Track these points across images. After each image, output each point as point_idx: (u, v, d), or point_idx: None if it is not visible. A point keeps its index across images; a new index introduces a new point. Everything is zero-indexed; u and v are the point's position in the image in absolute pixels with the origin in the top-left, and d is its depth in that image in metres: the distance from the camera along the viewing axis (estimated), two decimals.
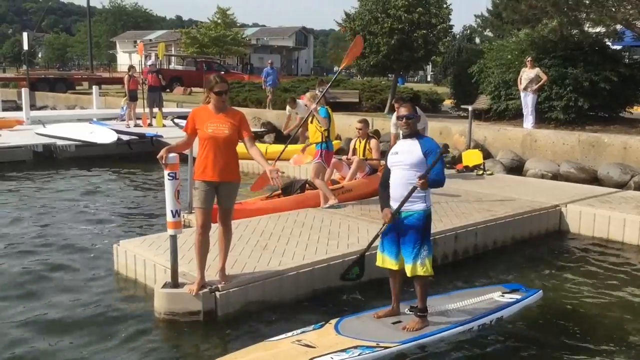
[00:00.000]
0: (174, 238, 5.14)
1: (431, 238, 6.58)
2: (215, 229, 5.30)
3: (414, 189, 4.52)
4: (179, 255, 5.27)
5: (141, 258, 5.99)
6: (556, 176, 11.76)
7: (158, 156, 4.97)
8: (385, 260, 4.80)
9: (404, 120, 4.68)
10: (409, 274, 4.64)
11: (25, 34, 30.31)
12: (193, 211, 7.69)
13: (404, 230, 4.63)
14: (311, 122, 8.39)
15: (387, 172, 4.79)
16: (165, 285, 5.17)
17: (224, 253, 5.23)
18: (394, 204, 4.64)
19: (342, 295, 5.78)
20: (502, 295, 5.41)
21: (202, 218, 5.09)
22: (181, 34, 49.15)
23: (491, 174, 11.01)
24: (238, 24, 56.21)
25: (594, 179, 11.50)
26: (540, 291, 5.68)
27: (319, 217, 7.48)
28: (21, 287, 5.95)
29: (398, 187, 4.62)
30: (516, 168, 12.54)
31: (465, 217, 7.54)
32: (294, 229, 6.92)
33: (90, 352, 4.64)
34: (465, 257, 7.11)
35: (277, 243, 6.37)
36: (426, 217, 4.66)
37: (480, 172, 10.92)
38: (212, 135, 5.00)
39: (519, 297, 5.39)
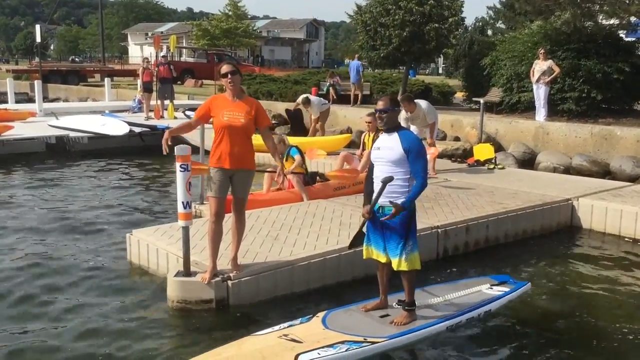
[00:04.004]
0: (185, 229, 5.20)
1: (440, 230, 6.74)
2: (229, 219, 5.35)
3: (384, 187, 4.48)
4: (191, 245, 5.32)
5: (154, 247, 6.05)
6: (568, 169, 11.70)
7: (163, 139, 4.96)
8: (372, 252, 4.77)
9: (378, 114, 4.60)
10: (394, 268, 4.63)
11: (37, 27, 30.30)
12: (205, 202, 7.77)
13: (388, 226, 4.57)
14: (286, 160, 8.33)
15: (371, 168, 4.75)
16: (177, 274, 5.23)
17: (236, 242, 5.27)
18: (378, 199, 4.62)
19: (352, 285, 5.81)
20: (490, 288, 5.33)
21: (216, 207, 5.13)
22: (192, 26, 49.26)
23: (502, 168, 10.98)
24: (249, 16, 56.21)
25: (606, 172, 11.44)
26: (529, 283, 5.59)
27: (330, 208, 7.51)
28: (33, 277, 6.03)
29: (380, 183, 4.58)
30: (528, 161, 12.48)
31: (476, 210, 7.54)
32: (305, 220, 6.96)
33: (103, 339, 4.71)
34: (476, 249, 7.12)
35: (288, 233, 6.41)
36: (409, 212, 4.56)
37: (492, 166, 10.89)
38: (227, 124, 5.02)
39: (507, 289, 5.30)
